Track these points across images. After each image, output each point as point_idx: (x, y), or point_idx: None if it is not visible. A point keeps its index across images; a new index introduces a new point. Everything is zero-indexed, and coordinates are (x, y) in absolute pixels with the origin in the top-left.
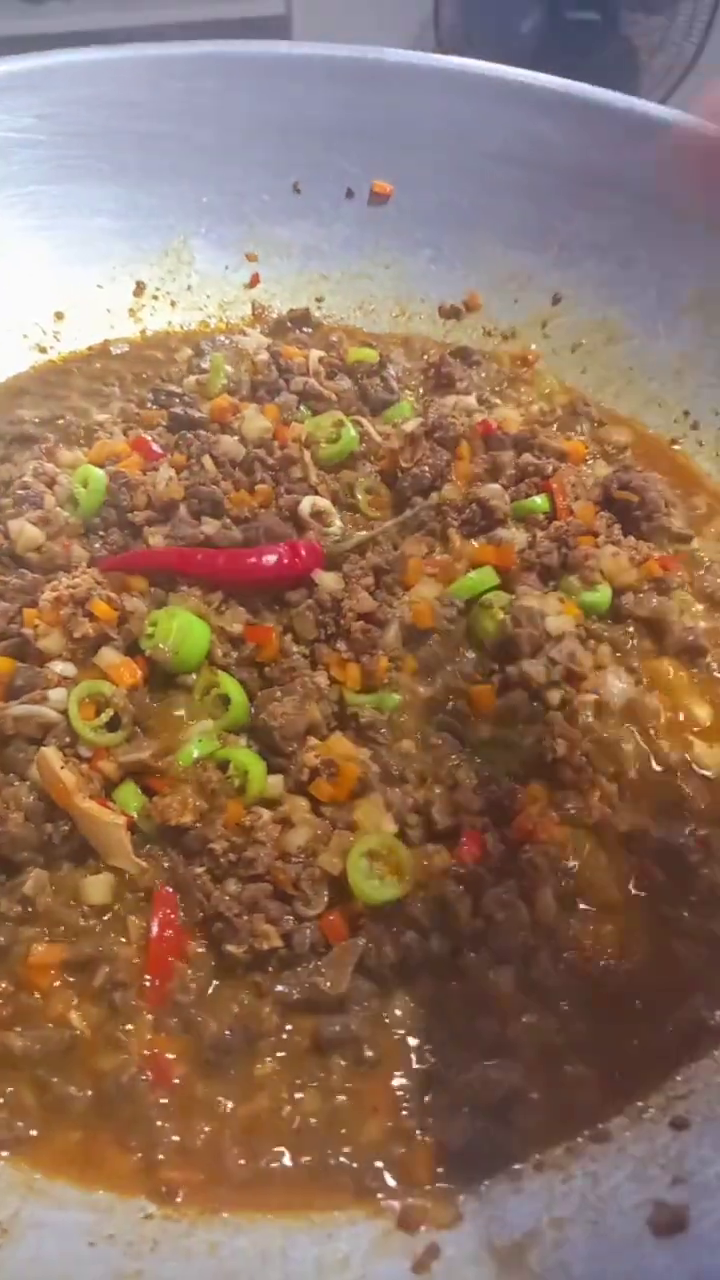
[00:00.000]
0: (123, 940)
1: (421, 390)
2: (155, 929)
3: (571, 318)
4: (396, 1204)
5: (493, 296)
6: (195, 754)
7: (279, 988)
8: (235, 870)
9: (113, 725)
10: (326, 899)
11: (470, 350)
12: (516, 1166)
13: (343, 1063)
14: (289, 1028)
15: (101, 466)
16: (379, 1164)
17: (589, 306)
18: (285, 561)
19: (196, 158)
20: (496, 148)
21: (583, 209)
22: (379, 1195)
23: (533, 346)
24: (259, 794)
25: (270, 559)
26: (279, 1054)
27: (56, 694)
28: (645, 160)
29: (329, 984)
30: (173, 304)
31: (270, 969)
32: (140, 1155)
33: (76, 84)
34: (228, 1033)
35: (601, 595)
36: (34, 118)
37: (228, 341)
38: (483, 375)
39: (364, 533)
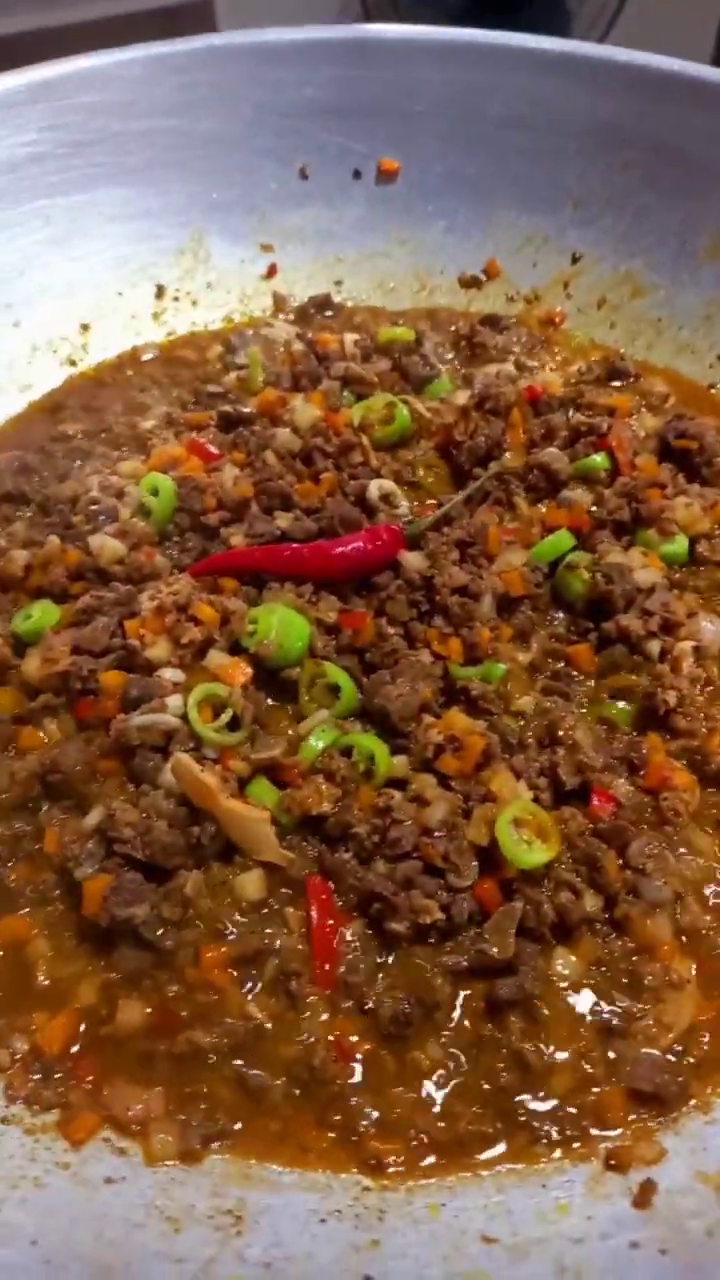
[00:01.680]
0: (285, 931)
1: (456, 362)
2: (315, 916)
3: (593, 275)
4: (601, 1148)
5: (512, 262)
6: (319, 744)
7: (446, 958)
8: (381, 850)
9: (233, 725)
10: (476, 869)
11: (499, 317)
12: (702, 1098)
13: (520, 1022)
14: (466, 993)
15: (163, 473)
16: (574, 1112)
17: (610, 262)
18: (369, 547)
19: (201, 152)
20: (499, 113)
21: (592, 166)
22: (579, 1143)
23: (557, 307)
24: (386, 775)
25: (355, 547)
26: (456, 1020)
27: (173, 701)
28: (650, 112)
29: (496, 949)
30: (194, 303)
31: (431, 941)
32: (343, 1133)
33: (76, 91)
34: (405, 1006)
35: (680, 545)
36: (37, 130)
37: (254, 335)
38: (514, 341)
39: (437, 510)
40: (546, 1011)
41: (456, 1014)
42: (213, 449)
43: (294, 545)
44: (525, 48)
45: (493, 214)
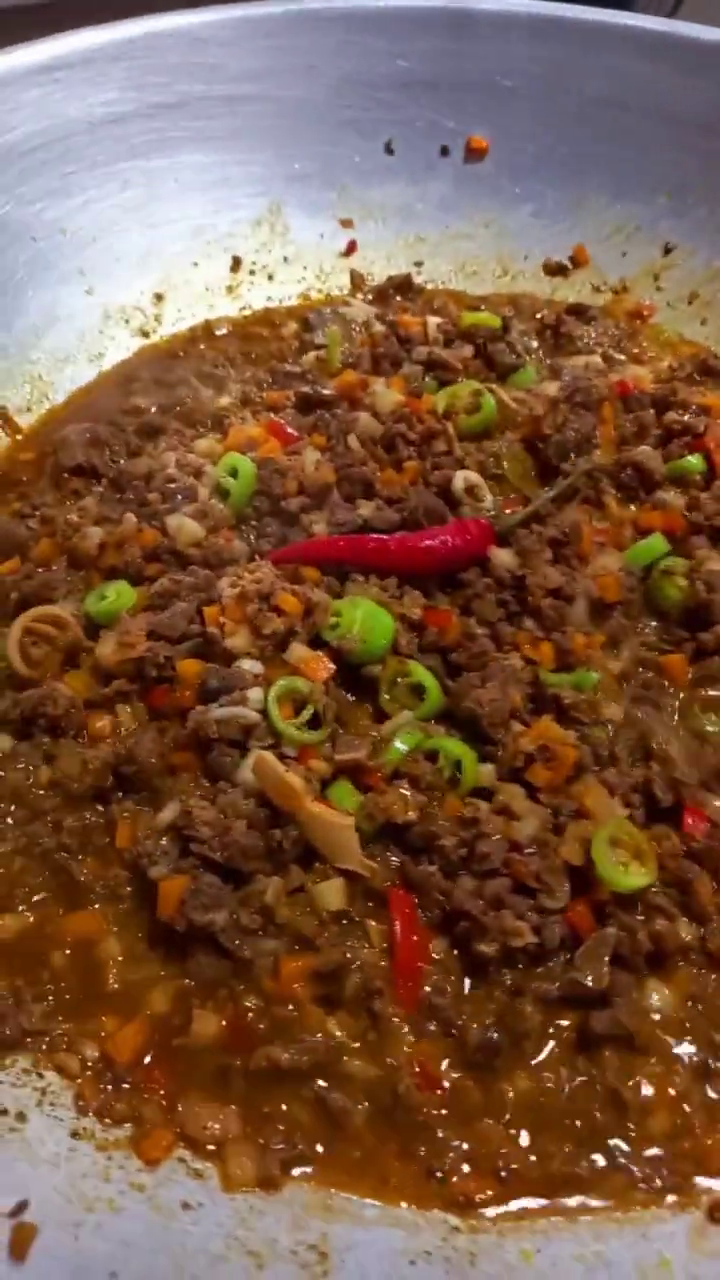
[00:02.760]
0: (366, 945)
1: (540, 352)
2: (399, 932)
3: (685, 268)
4: (703, 1198)
5: (600, 250)
6: (404, 747)
7: (537, 985)
8: (468, 865)
9: (313, 723)
10: (568, 890)
11: (586, 307)
12: None
13: (615, 1057)
14: (562, 1023)
15: (242, 453)
16: (673, 1157)
17: (704, 255)
18: (458, 542)
19: (285, 121)
20: (595, 93)
21: (690, 153)
22: (680, 1190)
23: (646, 300)
24: (473, 783)
25: (443, 540)
26: (547, 1051)
27: (254, 694)
28: None
29: (591, 979)
30: (270, 277)
31: (519, 965)
32: (427, 1165)
33: (159, 52)
34: (493, 1034)
35: None
36: (119, 89)
37: (332, 313)
38: (600, 333)
39: (524, 506)
40: (643, 1046)
41: (548, 1046)
42: (292, 431)
43: (379, 536)
44: (625, 25)
45: (583, 199)
